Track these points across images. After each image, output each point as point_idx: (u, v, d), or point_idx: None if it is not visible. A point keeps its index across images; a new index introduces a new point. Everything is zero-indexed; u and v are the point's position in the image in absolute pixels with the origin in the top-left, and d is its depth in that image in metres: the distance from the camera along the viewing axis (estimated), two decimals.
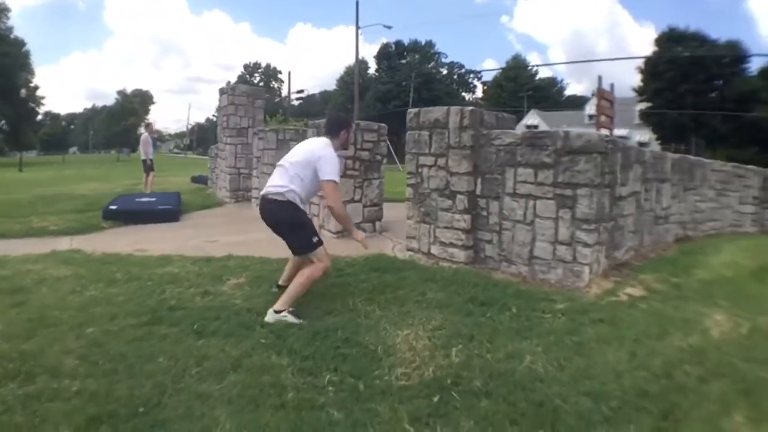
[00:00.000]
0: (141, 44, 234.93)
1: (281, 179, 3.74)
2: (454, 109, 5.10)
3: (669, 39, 43.36)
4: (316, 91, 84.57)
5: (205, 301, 4.06)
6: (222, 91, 12.27)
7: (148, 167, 12.20)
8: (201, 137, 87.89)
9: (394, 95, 57.08)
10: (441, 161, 5.20)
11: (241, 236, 7.10)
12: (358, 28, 32.47)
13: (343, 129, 4.02)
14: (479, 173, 5.05)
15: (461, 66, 73.52)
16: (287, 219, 3.72)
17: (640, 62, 45.17)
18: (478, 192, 5.07)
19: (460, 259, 5.09)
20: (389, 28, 37.34)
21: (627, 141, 46.68)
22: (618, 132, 52.74)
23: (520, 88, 68.48)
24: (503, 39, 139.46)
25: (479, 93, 78.33)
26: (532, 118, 63.42)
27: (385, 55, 65.02)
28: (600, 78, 11.69)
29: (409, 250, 5.64)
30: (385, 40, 66.62)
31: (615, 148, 4.81)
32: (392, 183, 10.62)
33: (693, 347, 3.27)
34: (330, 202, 3.75)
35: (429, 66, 65.22)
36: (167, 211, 8.94)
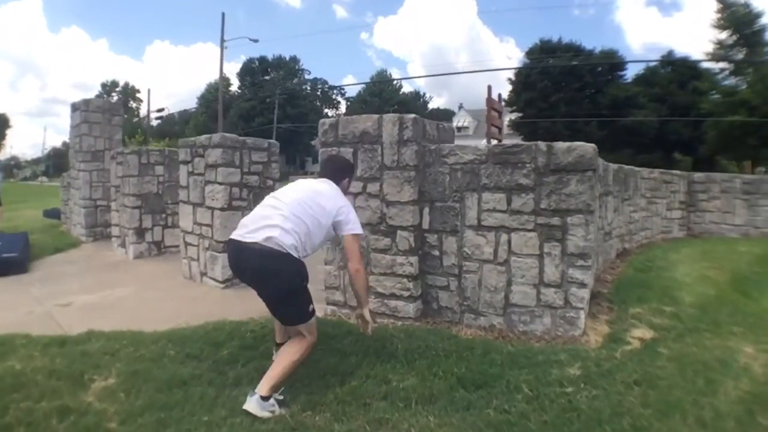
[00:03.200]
0: None
1: (278, 221, 2.92)
2: (389, 117, 4.17)
3: (542, 50, 48.20)
4: (175, 110, 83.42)
5: (65, 427, 2.73)
6: (74, 107, 10.41)
7: None
8: (58, 163, 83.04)
9: (258, 112, 57.10)
10: (373, 187, 4.23)
11: (100, 292, 5.98)
12: (223, 41, 31.02)
13: (347, 176, 3.50)
14: (426, 201, 4.19)
15: (324, 82, 75.60)
16: (285, 282, 2.89)
17: (509, 74, 49.54)
18: (425, 226, 4.21)
19: (407, 314, 4.18)
20: (255, 41, 36.56)
21: None
22: (485, 141, 58.18)
23: (385, 103, 71.94)
24: (363, 55, 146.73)
25: (343, 109, 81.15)
26: None
27: (248, 71, 64.76)
28: (489, 87, 11.79)
29: (330, 304, 4.60)
30: (244, 58, 66.40)
31: None
32: None
33: (752, 393, 3.05)
34: (355, 265, 3.09)
35: (293, 82, 66.11)
36: (11, 261, 7.38)
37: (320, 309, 4.55)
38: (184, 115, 75.17)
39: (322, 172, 3.44)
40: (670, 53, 48.94)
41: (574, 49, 47.63)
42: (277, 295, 2.93)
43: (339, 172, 3.43)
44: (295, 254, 2.88)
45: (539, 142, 3.88)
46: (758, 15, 37.91)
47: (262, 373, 2.93)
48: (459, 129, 63.27)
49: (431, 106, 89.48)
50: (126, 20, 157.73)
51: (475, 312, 4.10)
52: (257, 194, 6.14)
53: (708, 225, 10.25)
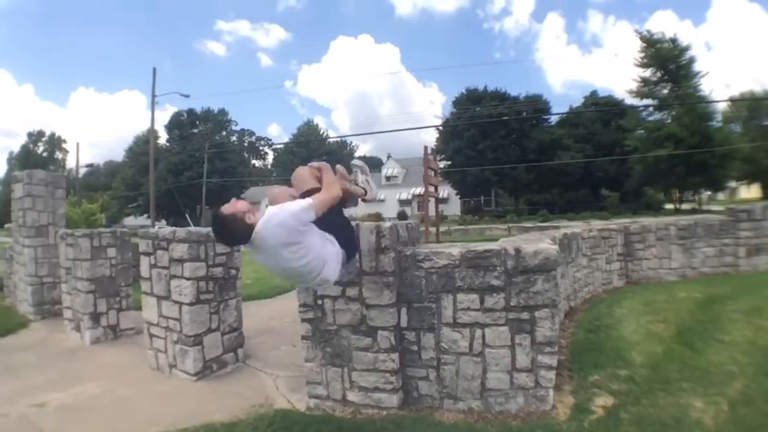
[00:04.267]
0: None
1: None
2: (366, 226, 4.62)
3: (468, 99, 51.26)
4: (101, 160, 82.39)
5: None
6: (15, 179, 10.40)
7: None
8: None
9: (187, 166, 57.15)
10: (351, 291, 4.65)
11: (70, 389, 5.89)
12: (154, 96, 30.96)
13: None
14: (404, 302, 4.66)
15: (252, 133, 77.55)
16: None
17: (436, 119, 52.68)
18: (403, 324, 4.66)
19: (391, 405, 4.59)
20: (186, 96, 37.15)
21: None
22: (418, 190, 59.78)
23: (313, 153, 73.88)
24: (287, 104, 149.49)
25: (270, 159, 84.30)
26: None
27: (176, 123, 64.69)
28: (426, 148, 12.68)
29: (313, 397, 4.94)
30: (170, 108, 66.18)
31: None
32: None
33: None
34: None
35: (222, 135, 66.79)
36: None
37: (303, 402, 4.99)
38: (110, 167, 73.63)
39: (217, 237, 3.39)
40: (594, 93, 52.37)
41: (500, 97, 50.83)
42: None
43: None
44: None
45: (508, 248, 4.45)
46: (685, 49, 41.43)
47: None
48: (388, 178, 66.03)
49: (357, 154, 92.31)
50: (50, 65, 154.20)
51: (454, 398, 4.56)
52: (222, 285, 6.42)
53: (646, 271, 11.12)
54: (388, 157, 70.05)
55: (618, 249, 10.72)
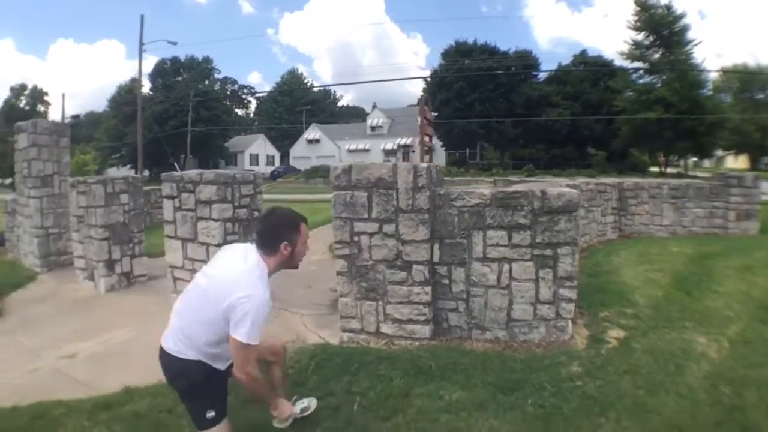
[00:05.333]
0: None
1: (179, 332, 2.85)
2: (403, 166, 5.02)
3: (457, 52, 51.13)
4: (81, 112, 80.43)
5: None
6: (20, 129, 10.26)
7: None
8: None
9: (171, 115, 56.61)
10: (388, 228, 5.07)
11: (98, 337, 5.92)
12: (141, 44, 30.45)
13: (285, 239, 2.88)
14: (437, 238, 5.09)
15: (234, 81, 76.25)
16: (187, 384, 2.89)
17: (421, 71, 52.38)
18: (436, 259, 5.10)
19: (424, 335, 5.06)
20: (174, 44, 36.31)
21: (411, 149, 53.50)
22: (403, 141, 59.33)
23: (297, 102, 72.78)
24: (269, 52, 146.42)
25: (253, 108, 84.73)
26: (313, 132, 68.54)
27: (160, 72, 63.45)
28: (422, 97, 12.82)
29: (347, 331, 5.37)
30: (150, 58, 64.86)
31: None
32: None
33: (712, 372, 4.28)
34: (237, 372, 2.73)
35: (206, 83, 65.91)
36: None
37: (337, 336, 5.39)
38: (91, 118, 72.15)
39: (258, 233, 2.96)
40: (583, 52, 52.85)
41: (489, 51, 50.68)
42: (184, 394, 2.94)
43: (274, 234, 2.88)
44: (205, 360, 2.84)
45: (535, 189, 4.93)
46: (680, 17, 41.86)
47: None
48: (373, 128, 66.02)
49: (341, 104, 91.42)
50: (30, 18, 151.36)
51: (482, 328, 5.08)
52: (246, 227, 6.73)
53: (638, 226, 11.85)
54: (374, 106, 69.75)
55: (612, 203, 11.36)
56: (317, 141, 67.33)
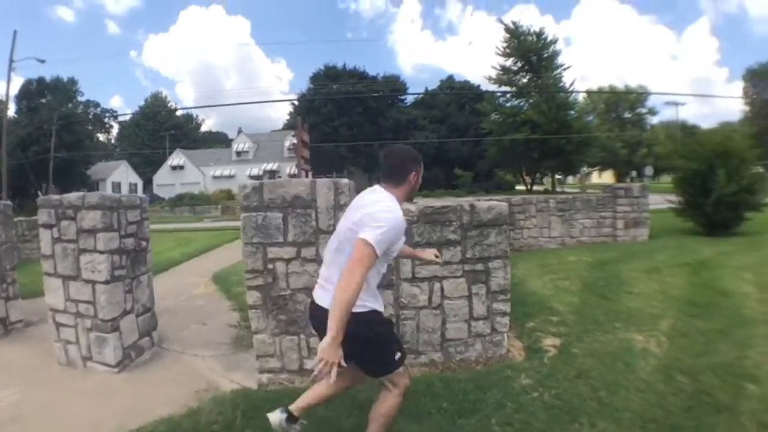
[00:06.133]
0: None
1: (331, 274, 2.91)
2: (323, 182, 4.63)
3: (326, 76, 51.93)
4: None
5: None
6: None
7: None
8: None
9: (34, 140, 52.42)
10: (307, 252, 4.64)
11: None
12: (12, 61, 27.76)
13: (412, 170, 3.01)
14: None
15: (97, 104, 72.86)
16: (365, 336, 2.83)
17: (286, 95, 53.82)
18: None
19: None
20: (42, 62, 33.58)
21: (278, 174, 53.61)
22: (269, 166, 59.28)
23: (160, 126, 70.87)
24: (131, 75, 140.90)
25: (115, 133, 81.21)
26: (177, 158, 67.29)
27: (26, 94, 58.25)
28: (299, 120, 12.79)
29: (265, 372, 4.81)
30: (12, 78, 59.85)
31: None
32: None
33: (662, 364, 4.46)
34: (346, 269, 2.62)
35: (69, 106, 61.97)
36: None
37: (253, 379, 4.81)
38: None
39: (388, 169, 3.02)
40: (450, 77, 55.04)
41: (358, 75, 52.08)
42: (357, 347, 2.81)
43: (404, 166, 3.00)
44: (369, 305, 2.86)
45: (464, 204, 4.80)
46: (551, 43, 44.88)
47: None
48: (239, 153, 65.79)
49: (203, 129, 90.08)
50: None
51: (415, 352, 4.78)
52: (134, 259, 5.94)
53: (527, 239, 12.27)
54: (239, 131, 69.41)
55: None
56: (181, 167, 65.46)
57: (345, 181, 4.67)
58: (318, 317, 2.86)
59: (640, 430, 3.40)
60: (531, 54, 45.05)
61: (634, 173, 58.08)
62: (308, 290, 4.56)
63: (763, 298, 6.42)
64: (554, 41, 45.98)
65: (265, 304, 4.74)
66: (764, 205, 13.75)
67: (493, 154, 46.54)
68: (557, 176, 52.69)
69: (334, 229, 4.40)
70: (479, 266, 4.75)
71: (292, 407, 3.19)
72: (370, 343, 2.88)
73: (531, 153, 42.86)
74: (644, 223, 12.66)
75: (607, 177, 60.99)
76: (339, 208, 4.56)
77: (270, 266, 4.69)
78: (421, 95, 54.90)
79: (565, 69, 45.63)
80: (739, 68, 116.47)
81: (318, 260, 4.58)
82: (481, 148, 47.95)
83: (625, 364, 4.43)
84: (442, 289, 4.73)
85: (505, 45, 46.62)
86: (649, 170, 49.72)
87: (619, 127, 54.90)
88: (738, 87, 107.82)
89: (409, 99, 55.53)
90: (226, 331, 6.45)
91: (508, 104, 47.28)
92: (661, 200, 15.20)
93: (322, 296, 2.93)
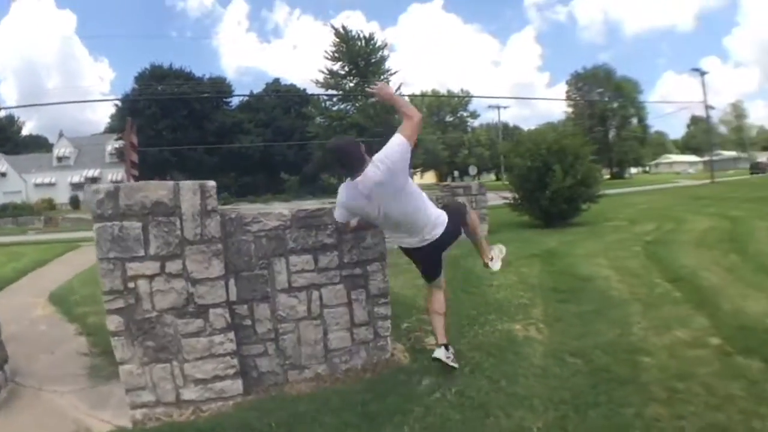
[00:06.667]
0: None
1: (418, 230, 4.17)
2: (188, 184, 4.14)
3: (152, 76, 49.13)
4: None
5: None
6: None
7: None
8: None
9: None
10: (173, 266, 4.12)
11: None
12: None
13: (359, 155, 4.07)
14: (231, 273, 4.37)
15: None
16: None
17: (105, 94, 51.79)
18: (233, 298, 4.38)
19: (237, 391, 4.25)
20: None
21: (100, 181, 50.31)
22: (91, 173, 55.87)
23: None
24: None
25: None
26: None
27: None
28: (129, 120, 12.29)
29: (138, 407, 4.16)
30: None
31: None
32: None
33: (548, 348, 4.65)
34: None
35: None
36: None
37: (125, 416, 4.18)
38: None
39: (346, 169, 4.11)
40: (276, 80, 54.60)
41: (184, 76, 49.92)
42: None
43: (354, 156, 4.03)
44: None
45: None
46: (380, 48, 45.98)
47: None
48: (60, 159, 61.13)
49: (24, 132, 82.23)
50: None
51: (299, 367, 4.54)
52: None
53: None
54: (60, 134, 63.29)
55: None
56: (3, 174, 59.11)
57: (212, 183, 4.22)
58: (436, 244, 4.16)
59: (555, 412, 3.46)
60: (359, 58, 46.06)
61: (456, 173, 61.66)
62: (177, 310, 4.13)
63: (624, 280, 7.01)
64: (383, 46, 47.57)
65: (129, 330, 4.11)
66: (600, 196, 15.38)
67: (319, 158, 46.87)
68: None
69: (201, 238, 4.10)
70: (357, 270, 4.64)
71: (440, 340, 4.23)
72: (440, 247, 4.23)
73: None
74: (484, 219, 13.21)
75: (429, 177, 63.88)
76: (206, 214, 4.15)
77: (131, 285, 4.07)
78: (247, 98, 53.93)
79: (392, 74, 47.31)
80: (561, 73, 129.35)
81: (185, 276, 4.15)
82: (307, 152, 47.97)
83: (514, 353, 4.53)
84: (321, 297, 4.53)
85: (333, 49, 47.26)
86: (472, 170, 53.18)
87: (441, 129, 58.00)
88: (560, 90, 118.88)
89: (235, 102, 54.28)
90: (78, 360, 5.59)
91: (335, 108, 47.93)
92: (495, 197, 16.18)
93: (428, 236, 4.12)
